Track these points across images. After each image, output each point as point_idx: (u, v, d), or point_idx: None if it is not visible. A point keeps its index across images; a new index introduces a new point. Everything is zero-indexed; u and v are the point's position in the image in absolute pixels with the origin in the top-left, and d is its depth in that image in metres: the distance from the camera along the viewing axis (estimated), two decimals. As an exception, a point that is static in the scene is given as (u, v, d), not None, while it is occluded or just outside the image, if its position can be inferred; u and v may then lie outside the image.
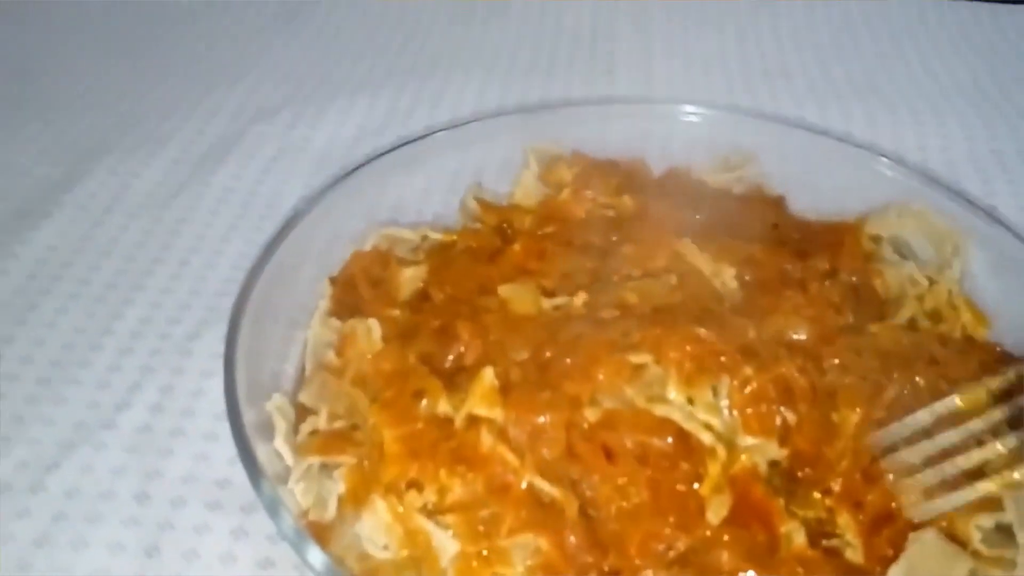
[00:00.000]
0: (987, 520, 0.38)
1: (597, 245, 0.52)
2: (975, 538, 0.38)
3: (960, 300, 0.50)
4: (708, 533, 0.38)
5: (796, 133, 0.61)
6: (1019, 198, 0.66)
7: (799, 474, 0.42)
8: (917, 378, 0.42)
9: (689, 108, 0.63)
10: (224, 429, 0.49)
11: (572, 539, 0.38)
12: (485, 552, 0.38)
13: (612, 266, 0.50)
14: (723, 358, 0.42)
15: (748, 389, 0.41)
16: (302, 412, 0.47)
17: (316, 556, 0.36)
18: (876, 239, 0.55)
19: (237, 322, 0.45)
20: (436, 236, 0.55)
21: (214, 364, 0.53)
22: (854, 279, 0.50)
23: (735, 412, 0.41)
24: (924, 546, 0.37)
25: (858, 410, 0.42)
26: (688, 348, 0.42)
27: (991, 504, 0.38)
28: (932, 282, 0.51)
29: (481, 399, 0.41)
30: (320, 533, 0.40)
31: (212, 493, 0.47)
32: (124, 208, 0.66)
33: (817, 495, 0.40)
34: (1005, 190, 0.66)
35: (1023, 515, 0.37)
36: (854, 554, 0.39)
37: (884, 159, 0.58)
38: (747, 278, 0.48)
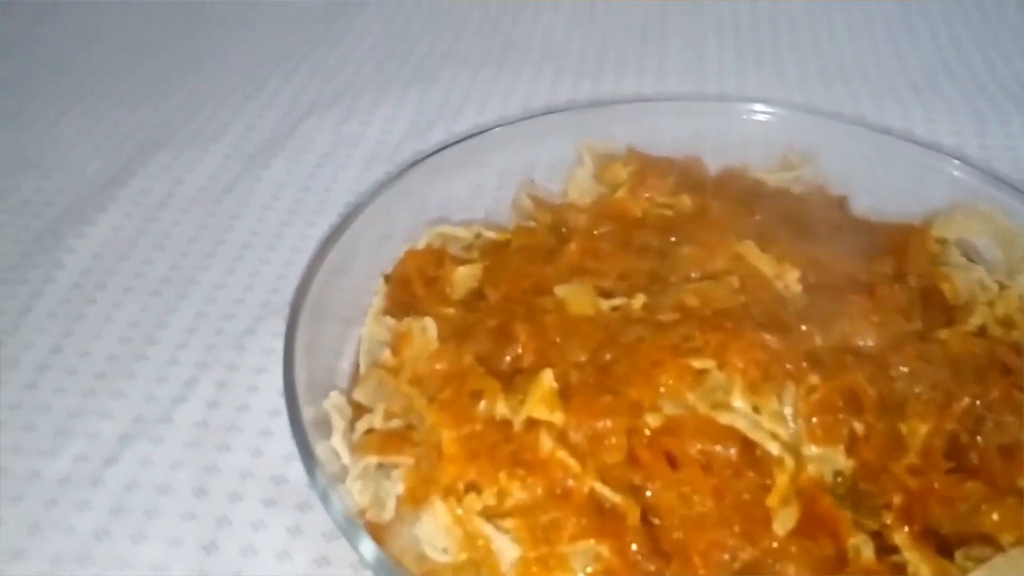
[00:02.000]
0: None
1: (655, 245, 0.51)
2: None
3: (1031, 306, 0.49)
4: (774, 544, 0.37)
5: (857, 132, 0.60)
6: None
7: (861, 486, 0.41)
8: (991, 388, 0.41)
9: (746, 106, 0.62)
10: (279, 425, 0.49)
11: (634, 546, 0.37)
12: (545, 558, 0.37)
13: (671, 267, 0.49)
14: (789, 365, 0.41)
15: (814, 398, 0.40)
16: (357, 410, 0.47)
17: (368, 548, 0.36)
18: (942, 242, 0.53)
19: (296, 318, 0.45)
20: (490, 234, 0.55)
21: (268, 360, 0.54)
22: (921, 283, 0.49)
23: (800, 421, 0.40)
24: (1010, 560, 0.36)
25: (928, 420, 0.40)
26: (753, 355, 0.41)
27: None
28: (1002, 287, 0.50)
29: (540, 402, 0.41)
30: (377, 533, 0.40)
31: (268, 489, 0.47)
32: (177, 203, 0.66)
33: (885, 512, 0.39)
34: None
35: None
36: (917, 570, 0.38)
37: (950, 159, 0.56)
38: (811, 281, 0.47)
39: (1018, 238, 0.52)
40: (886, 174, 0.57)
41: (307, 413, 0.42)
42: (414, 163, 0.56)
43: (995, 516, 0.38)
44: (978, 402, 0.41)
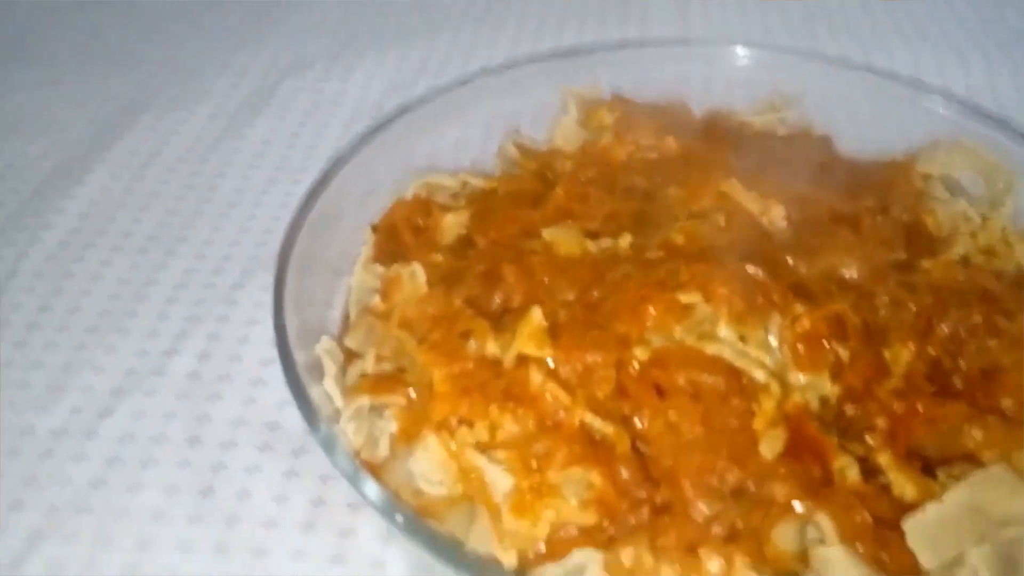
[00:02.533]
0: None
1: (641, 188, 0.51)
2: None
3: (1014, 236, 0.49)
4: (762, 468, 0.38)
5: (841, 72, 0.60)
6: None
7: (847, 412, 0.41)
8: (973, 313, 0.42)
9: (730, 49, 0.62)
10: (271, 374, 0.50)
11: (624, 473, 0.38)
12: (538, 486, 0.38)
13: (657, 208, 0.49)
14: (774, 296, 0.42)
15: (800, 325, 0.41)
16: (348, 357, 0.47)
17: (372, 489, 0.37)
18: (926, 177, 0.53)
19: (284, 265, 0.45)
20: (476, 182, 0.55)
21: (258, 312, 0.54)
22: (905, 217, 0.49)
23: (786, 349, 0.41)
24: (991, 476, 0.37)
25: (910, 345, 0.41)
26: (738, 285, 0.41)
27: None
28: (985, 219, 0.50)
29: (529, 338, 0.41)
30: (373, 472, 0.41)
31: (262, 436, 0.47)
32: (163, 163, 0.66)
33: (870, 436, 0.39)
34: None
35: None
36: (901, 492, 0.39)
37: (934, 95, 0.56)
38: (796, 217, 0.48)
39: (999, 171, 0.53)
40: (871, 113, 0.58)
41: (298, 358, 0.42)
42: (398, 114, 0.56)
43: (977, 435, 0.38)
44: (960, 327, 0.41)
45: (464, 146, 0.62)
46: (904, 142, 0.56)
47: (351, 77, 0.75)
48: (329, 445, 0.38)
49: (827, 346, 0.41)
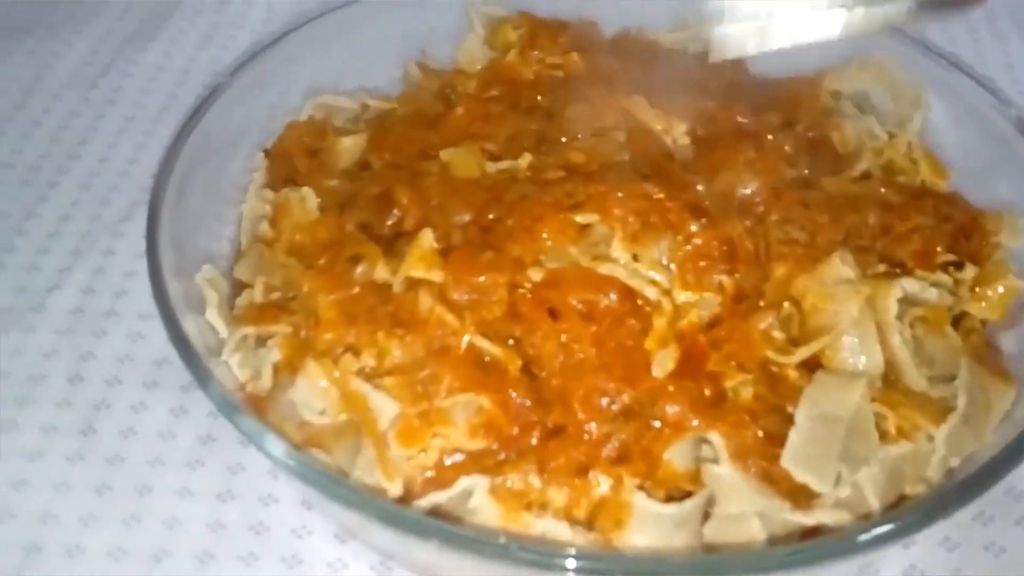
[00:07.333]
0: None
1: (544, 107, 0.49)
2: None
3: (919, 152, 0.49)
4: (654, 387, 0.37)
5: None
6: (978, 44, 0.64)
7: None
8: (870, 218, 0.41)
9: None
10: (160, 309, 0.47)
11: (515, 396, 0.37)
12: (426, 412, 0.36)
13: (559, 127, 0.47)
14: (670, 215, 0.40)
15: (690, 247, 0.40)
16: (239, 287, 0.45)
17: (247, 422, 0.35)
18: (836, 95, 0.52)
19: (160, 195, 0.42)
20: (375, 103, 0.52)
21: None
22: (811, 134, 0.48)
23: (675, 268, 0.40)
24: (819, 381, 0.37)
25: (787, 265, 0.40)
26: (634, 204, 0.40)
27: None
28: (892, 136, 0.50)
29: (419, 261, 0.39)
30: (260, 405, 0.39)
31: (150, 372, 0.45)
32: (46, 90, 0.62)
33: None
34: (965, 38, 0.65)
35: None
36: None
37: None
38: (700, 134, 0.46)
39: (909, 87, 0.52)
40: (783, 29, 0.56)
41: (177, 289, 0.40)
42: (290, 31, 0.52)
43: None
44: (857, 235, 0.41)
45: (371, 70, 0.58)
46: (818, 61, 0.55)
47: (255, -1, 0.71)
48: (201, 376, 0.36)
49: (713, 268, 0.40)
